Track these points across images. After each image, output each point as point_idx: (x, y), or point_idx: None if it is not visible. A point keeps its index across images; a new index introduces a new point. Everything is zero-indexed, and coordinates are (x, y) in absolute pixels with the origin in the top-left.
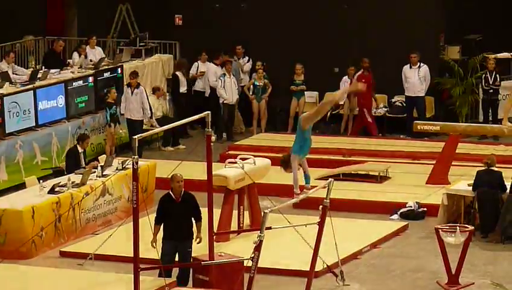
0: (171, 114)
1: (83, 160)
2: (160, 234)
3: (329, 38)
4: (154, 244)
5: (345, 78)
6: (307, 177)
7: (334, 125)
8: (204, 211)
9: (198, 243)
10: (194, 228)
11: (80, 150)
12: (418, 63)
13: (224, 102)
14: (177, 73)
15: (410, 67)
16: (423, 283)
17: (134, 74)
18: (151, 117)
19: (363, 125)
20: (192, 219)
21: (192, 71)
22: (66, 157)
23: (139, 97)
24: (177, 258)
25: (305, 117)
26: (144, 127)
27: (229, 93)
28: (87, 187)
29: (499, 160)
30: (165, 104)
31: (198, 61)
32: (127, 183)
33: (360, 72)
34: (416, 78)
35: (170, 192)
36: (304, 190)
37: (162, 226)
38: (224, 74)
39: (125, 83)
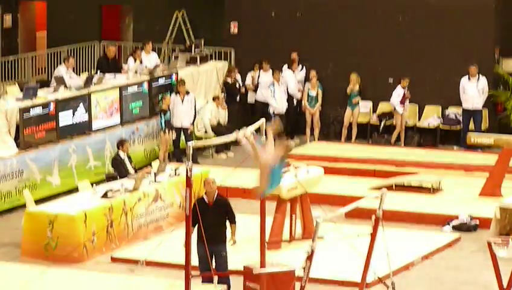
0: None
1: (129, 164)
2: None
3: (384, 49)
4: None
5: (399, 87)
6: None
7: (388, 136)
8: (256, 220)
9: (232, 245)
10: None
11: (123, 155)
12: (477, 75)
13: (275, 111)
14: (228, 80)
15: (469, 79)
16: None
17: (182, 82)
18: (192, 123)
19: None
20: (227, 222)
21: (248, 81)
22: (113, 167)
23: (190, 105)
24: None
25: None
26: (198, 134)
27: (279, 103)
28: (140, 193)
29: None
30: (224, 114)
31: (260, 70)
32: (180, 190)
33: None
34: (474, 91)
35: (204, 195)
36: None
37: (196, 230)
38: (274, 83)
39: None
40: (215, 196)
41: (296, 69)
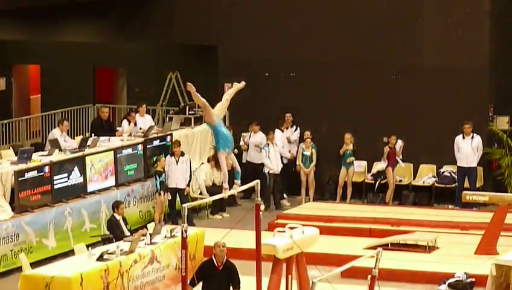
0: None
1: (124, 227)
2: None
3: (378, 108)
4: None
5: (386, 147)
6: (237, 173)
7: (383, 195)
8: (253, 280)
9: None
10: None
11: (118, 217)
12: (471, 134)
13: (270, 171)
14: None
15: (463, 137)
16: None
17: (177, 143)
18: (188, 185)
19: None
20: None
21: (242, 142)
22: (108, 229)
23: (185, 166)
24: None
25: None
26: (193, 195)
27: (273, 163)
28: (136, 255)
29: None
30: (219, 175)
31: (251, 132)
32: (175, 251)
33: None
34: (469, 149)
35: (213, 258)
36: (234, 185)
37: None
38: (268, 144)
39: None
40: (224, 260)
41: (285, 128)
